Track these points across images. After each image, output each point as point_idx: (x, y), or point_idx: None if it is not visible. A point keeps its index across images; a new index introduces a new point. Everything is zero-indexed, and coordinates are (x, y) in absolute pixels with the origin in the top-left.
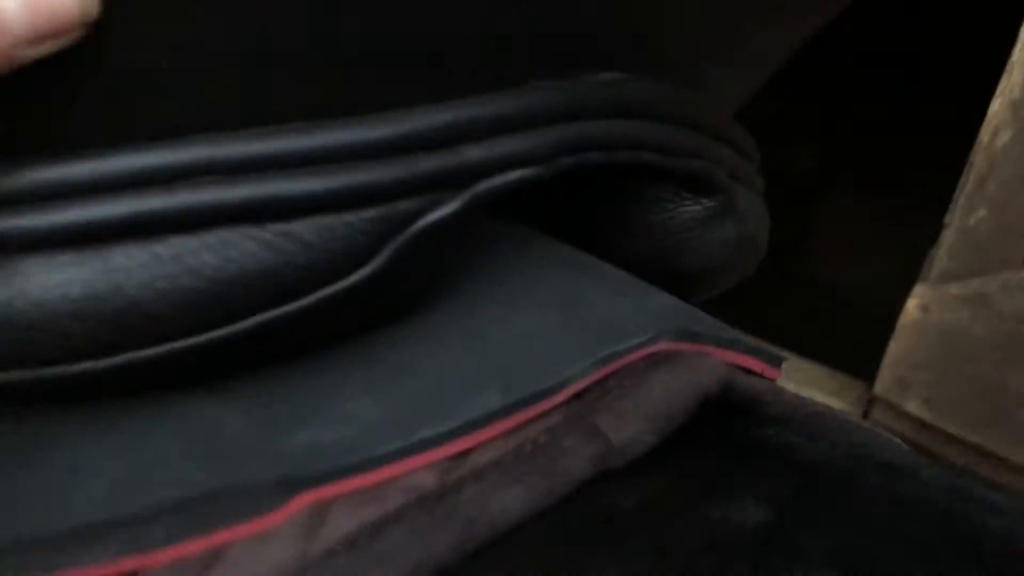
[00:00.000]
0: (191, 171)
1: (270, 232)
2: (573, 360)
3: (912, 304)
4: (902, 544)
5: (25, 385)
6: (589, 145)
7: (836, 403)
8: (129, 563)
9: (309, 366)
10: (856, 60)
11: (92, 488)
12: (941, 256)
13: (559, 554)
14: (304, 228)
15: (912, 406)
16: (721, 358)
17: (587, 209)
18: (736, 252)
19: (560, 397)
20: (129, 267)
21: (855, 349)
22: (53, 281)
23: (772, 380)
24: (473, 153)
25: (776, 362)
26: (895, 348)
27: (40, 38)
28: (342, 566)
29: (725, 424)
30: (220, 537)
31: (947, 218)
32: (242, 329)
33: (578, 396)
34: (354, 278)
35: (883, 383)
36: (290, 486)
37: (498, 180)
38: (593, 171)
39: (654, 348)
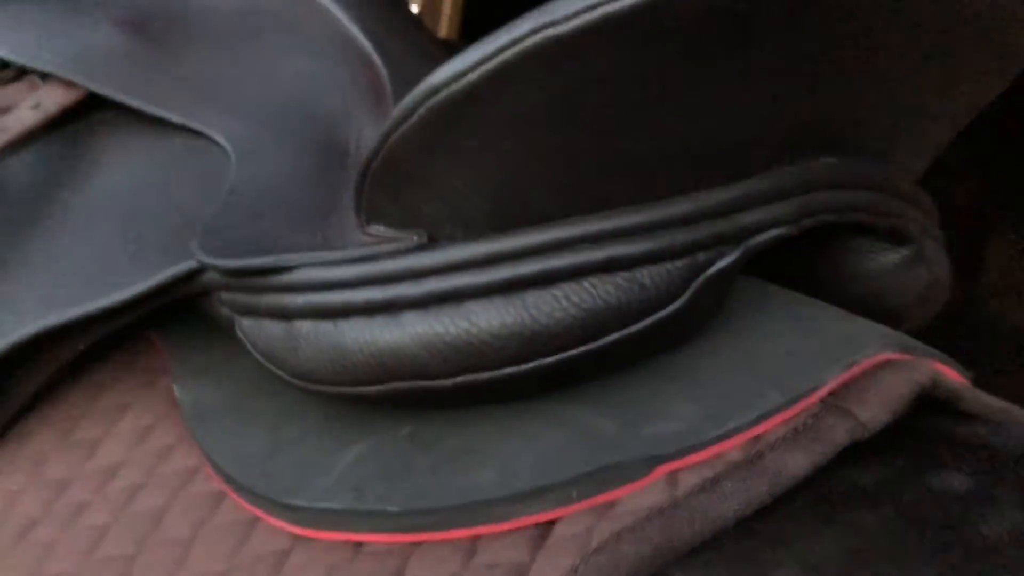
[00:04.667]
0: (567, 243)
1: (621, 278)
2: (827, 367)
3: None
4: None
5: (405, 392)
6: (823, 210)
7: None
8: (557, 513)
9: (638, 378)
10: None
11: (483, 471)
12: None
13: (830, 504)
14: (643, 275)
15: None
16: (929, 364)
17: (810, 262)
18: (927, 291)
19: (823, 392)
20: (539, 304)
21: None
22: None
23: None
24: (745, 219)
25: (965, 372)
26: None
27: None
28: (698, 501)
29: (934, 414)
30: (613, 495)
31: None
32: (600, 346)
33: (832, 392)
34: (670, 309)
35: None
36: (652, 461)
37: (763, 237)
38: (816, 230)
39: (883, 357)
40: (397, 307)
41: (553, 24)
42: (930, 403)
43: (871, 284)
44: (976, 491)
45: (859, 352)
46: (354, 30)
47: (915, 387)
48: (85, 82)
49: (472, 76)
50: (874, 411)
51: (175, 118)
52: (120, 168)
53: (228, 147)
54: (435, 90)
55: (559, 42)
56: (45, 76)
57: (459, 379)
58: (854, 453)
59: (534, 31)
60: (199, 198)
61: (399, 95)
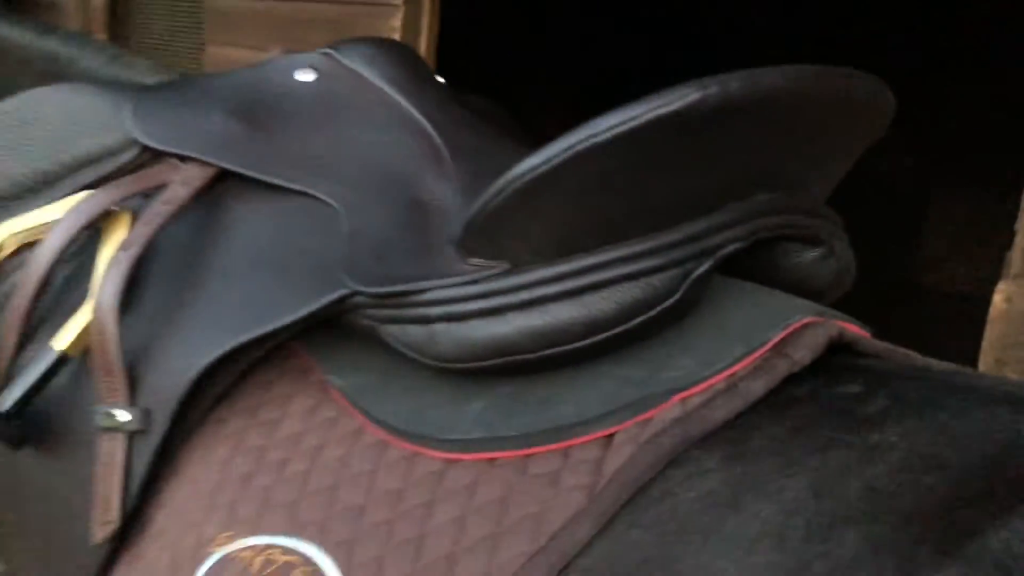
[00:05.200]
0: (608, 264)
1: (642, 283)
2: (772, 328)
3: (998, 298)
4: (951, 391)
5: (509, 364)
6: (763, 229)
7: None
8: (615, 429)
9: (653, 344)
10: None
11: (564, 407)
12: (1016, 256)
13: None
14: (654, 280)
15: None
16: (836, 323)
17: (757, 261)
18: (838, 276)
19: (769, 344)
20: (593, 302)
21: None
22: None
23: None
24: (715, 240)
25: (866, 328)
26: (990, 333)
27: None
28: (700, 413)
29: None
30: (649, 415)
31: (1017, 224)
32: (630, 326)
33: (775, 344)
34: (671, 300)
35: (985, 363)
36: (670, 393)
37: (727, 250)
38: (760, 240)
39: (806, 320)
40: (503, 310)
41: (594, 135)
42: (839, 348)
43: (797, 273)
44: (863, 392)
45: (791, 318)
46: (409, 108)
47: (827, 338)
48: (217, 161)
49: (543, 167)
50: (802, 353)
51: (288, 185)
52: (254, 226)
53: (336, 205)
54: (521, 175)
55: (600, 145)
56: (184, 158)
57: (544, 352)
58: (792, 379)
59: (584, 139)
60: (320, 244)
61: (456, 158)
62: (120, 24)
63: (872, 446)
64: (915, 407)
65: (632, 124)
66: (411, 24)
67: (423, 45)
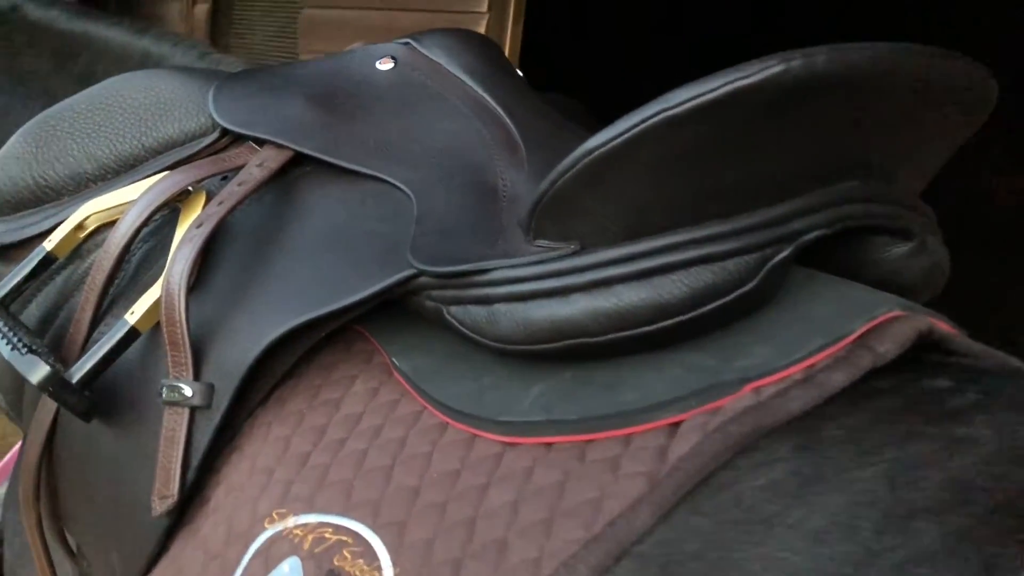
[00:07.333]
0: (680, 245)
1: (716, 267)
2: (854, 320)
3: None
4: None
5: (573, 347)
6: (848, 217)
7: None
8: (681, 416)
9: (726, 333)
10: None
11: (628, 393)
12: None
13: (858, 399)
14: (729, 265)
15: None
16: (926, 318)
17: (843, 254)
18: (929, 273)
19: (852, 336)
20: (663, 285)
21: None
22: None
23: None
24: (796, 225)
25: (956, 326)
26: None
27: None
28: (774, 403)
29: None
30: (719, 403)
31: None
32: (702, 312)
33: (858, 336)
34: (748, 287)
35: None
36: (743, 381)
37: (809, 237)
38: (846, 231)
39: (892, 313)
40: (568, 291)
41: (669, 108)
42: (928, 345)
43: (883, 268)
44: (953, 387)
45: (876, 310)
46: (486, 96)
47: (915, 332)
48: (293, 145)
49: (614, 142)
50: (887, 347)
51: (362, 170)
52: (326, 209)
53: (407, 190)
54: (591, 151)
55: (674, 119)
56: (261, 142)
57: (609, 336)
58: (875, 373)
59: (657, 112)
60: (390, 227)
61: (530, 146)
62: (221, 34)
63: (958, 439)
64: (1009, 402)
65: (708, 97)
66: (495, 31)
67: (506, 52)
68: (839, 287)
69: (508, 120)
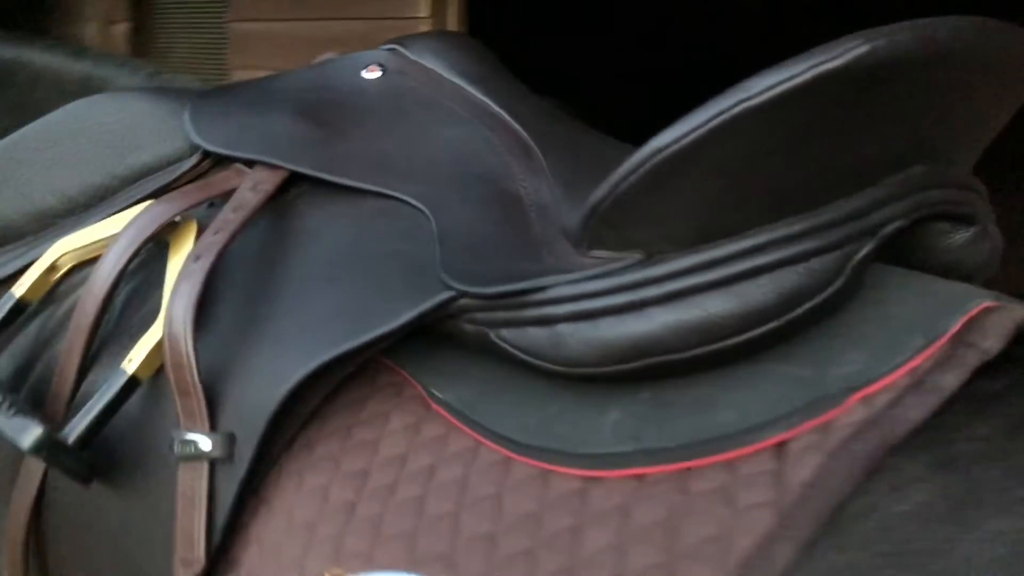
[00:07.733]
0: (761, 248)
1: (801, 268)
2: (948, 316)
3: None
4: None
5: (654, 366)
6: (924, 205)
7: None
8: (787, 436)
9: (814, 338)
10: None
11: (723, 413)
12: None
13: (975, 405)
14: (814, 265)
15: None
16: (1020, 307)
17: (908, 244)
18: (989, 258)
19: (951, 333)
20: (749, 291)
21: None
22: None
23: None
24: (876, 218)
25: None
26: None
27: None
28: (891, 413)
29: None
30: (826, 418)
31: None
32: (791, 317)
33: (957, 332)
34: (831, 289)
35: None
36: (847, 392)
37: (890, 228)
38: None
39: (985, 305)
40: (643, 305)
41: (749, 98)
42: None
43: (951, 256)
44: None
45: (968, 304)
46: (487, 101)
47: (1014, 324)
48: (286, 164)
49: (687, 139)
50: (991, 342)
51: (364, 186)
52: (332, 231)
53: (419, 205)
54: (659, 150)
55: (754, 110)
56: (250, 163)
57: (695, 351)
58: (980, 372)
59: (737, 103)
60: (409, 247)
61: (546, 150)
62: (143, 54)
63: None
64: None
65: (793, 83)
66: None
67: None
68: (917, 280)
69: (515, 123)
